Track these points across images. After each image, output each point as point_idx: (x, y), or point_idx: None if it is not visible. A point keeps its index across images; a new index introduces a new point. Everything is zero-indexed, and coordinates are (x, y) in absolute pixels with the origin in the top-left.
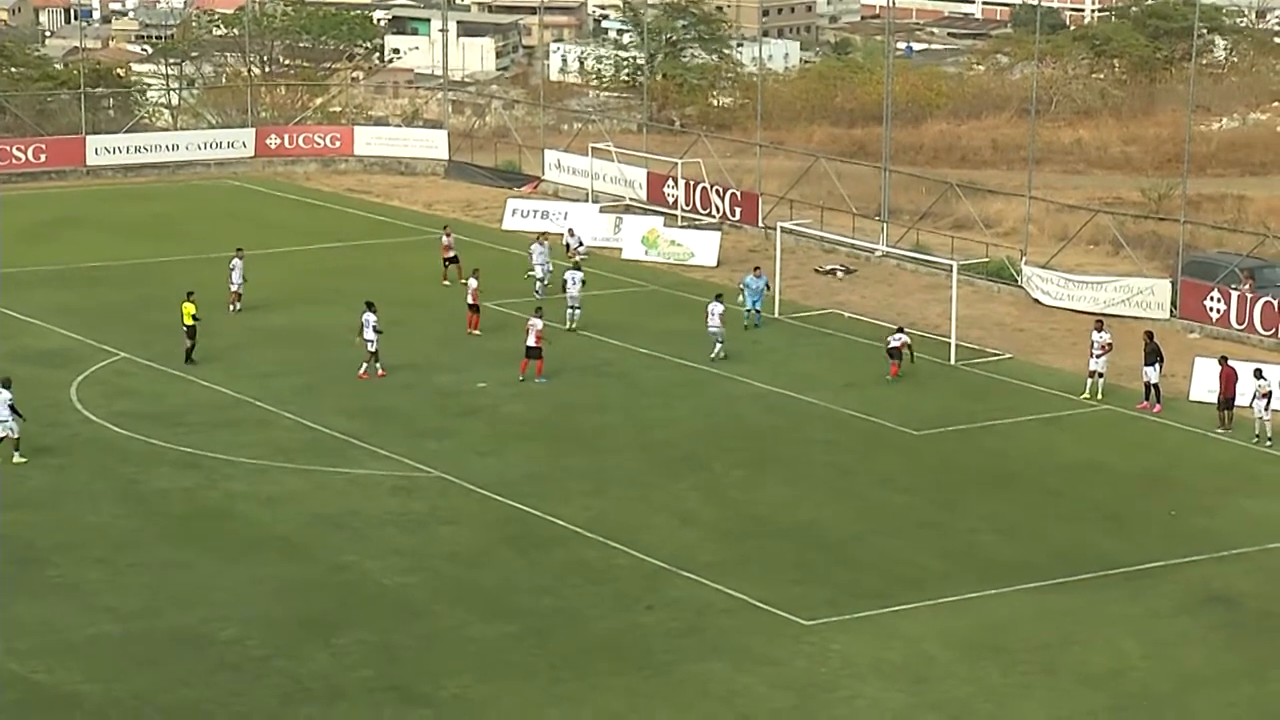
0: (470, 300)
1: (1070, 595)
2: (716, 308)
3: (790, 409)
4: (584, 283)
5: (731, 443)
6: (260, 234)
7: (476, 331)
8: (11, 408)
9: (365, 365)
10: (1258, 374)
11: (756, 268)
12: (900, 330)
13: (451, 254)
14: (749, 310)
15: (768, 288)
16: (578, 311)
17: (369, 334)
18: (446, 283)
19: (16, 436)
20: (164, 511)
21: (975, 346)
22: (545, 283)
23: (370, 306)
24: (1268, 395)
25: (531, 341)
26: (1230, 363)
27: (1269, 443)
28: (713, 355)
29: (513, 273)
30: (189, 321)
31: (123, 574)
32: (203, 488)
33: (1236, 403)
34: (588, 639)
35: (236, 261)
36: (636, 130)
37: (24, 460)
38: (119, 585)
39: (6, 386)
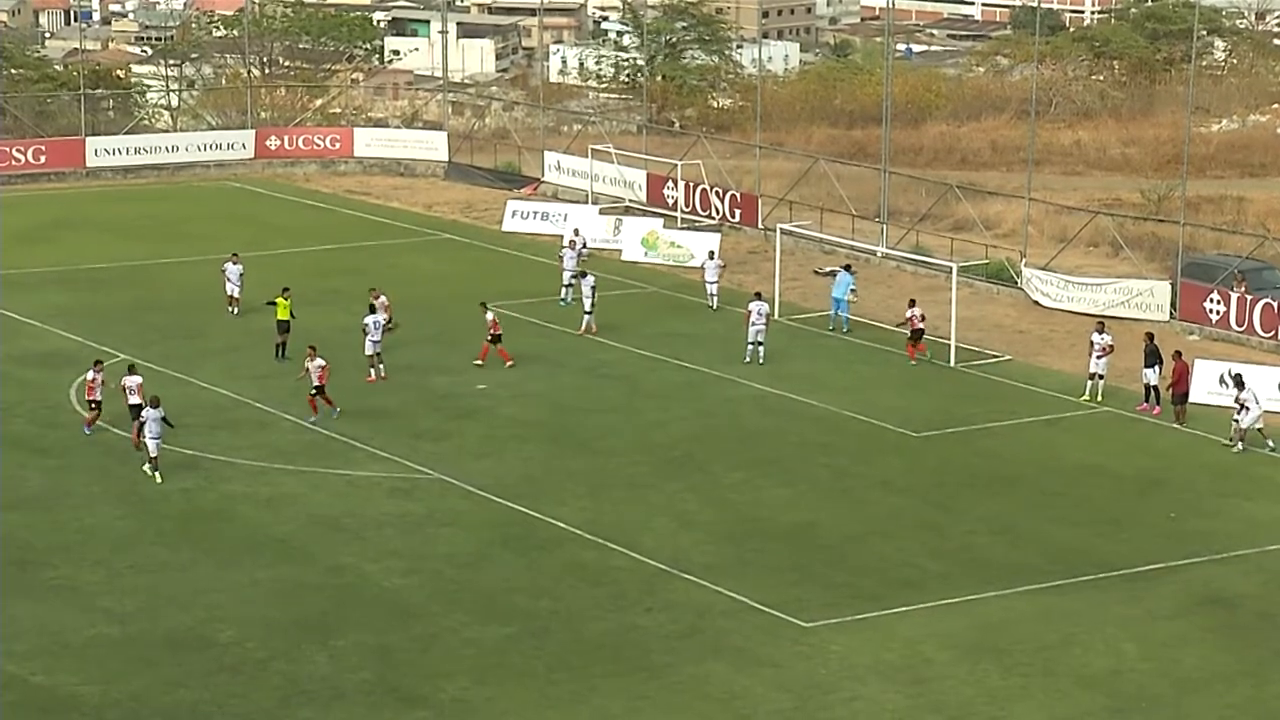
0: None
1: (1069, 597)
2: (761, 307)
3: (789, 411)
4: (594, 288)
5: (730, 444)
6: (260, 235)
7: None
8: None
9: (380, 368)
10: (1238, 383)
11: (848, 265)
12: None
13: (497, 332)
14: (836, 314)
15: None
16: (590, 317)
17: (376, 334)
18: (479, 362)
19: (155, 455)
20: (162, 513)
21: (975, 348)
22: (571, 287)
23: (372, 310)
24: (1243, 405)
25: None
26: (1184, 358)
27: (1240, 446)
28: (747, 359)
29: (510, 274)
30: (283, 316)
31: (121, 576)
32: (201, 489)
33: (1215, 401)
34: (586, 641)
35: (229, 266)
36: (636, 132)
37: (160, 482)
38: (117, 587)
39: (155, 405)
